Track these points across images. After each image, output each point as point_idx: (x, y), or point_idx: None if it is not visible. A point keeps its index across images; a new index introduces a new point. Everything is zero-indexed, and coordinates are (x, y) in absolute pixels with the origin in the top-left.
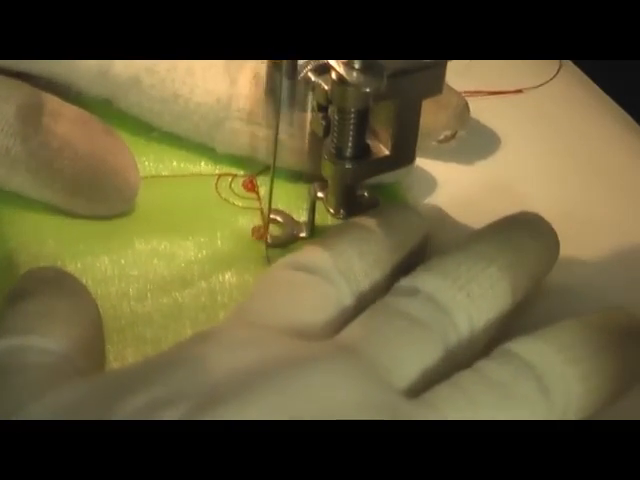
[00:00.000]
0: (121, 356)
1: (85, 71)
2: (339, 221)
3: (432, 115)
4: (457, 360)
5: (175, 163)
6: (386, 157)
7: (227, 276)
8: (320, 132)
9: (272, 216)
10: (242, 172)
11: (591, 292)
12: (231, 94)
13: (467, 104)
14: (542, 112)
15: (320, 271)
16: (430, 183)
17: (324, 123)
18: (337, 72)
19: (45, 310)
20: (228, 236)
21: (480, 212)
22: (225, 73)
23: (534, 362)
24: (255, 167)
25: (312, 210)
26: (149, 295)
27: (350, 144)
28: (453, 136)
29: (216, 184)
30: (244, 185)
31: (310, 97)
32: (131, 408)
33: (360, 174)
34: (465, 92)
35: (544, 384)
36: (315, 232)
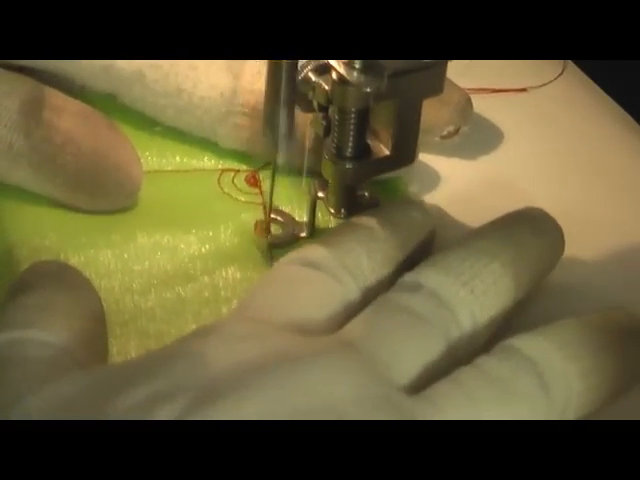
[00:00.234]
0: (124, 350)
1: (88, 66)
2: (339, 221)
3: (435, 111)
4: (458, 356)
5: (178, 158)
6: (386, 157)
7: (230, 271)
8: (320, 132)
9: (272, 216)
10: (245, 167)
11: (591, 291)
12: (235, 89)
13: (470, 100)
14: (545, 111)
15: (327, 268)
16: (432, 179)
17: (324, 123)
18: (337, 72)
19: (45, 303)
20: (231, 231)
21: (482, 208)
22: (228, 68)
23: (535, 358)
24: (258, 162)
25: (312, 210)
26: (152, 289)
27: (350, 144)
28: (456, 132)
29: (219, 179)
30: (247, 180)
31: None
32: (131, 401)
33: (360, 174)
34: (469, 89)
35: (545, 380)
36: (315, 232)
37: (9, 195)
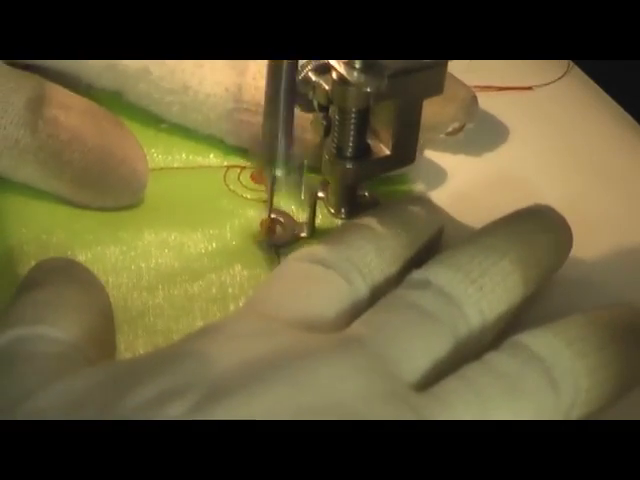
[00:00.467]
0: (132, 347)
1: (94, 63)
2: (340, 221)
3: (440, 107)
4: (466, 353)
5: (184, 155)
6: (387, 157)
7: (237, 268)
8: (321, 132)
9: (273, 216)
10: (250, 164)
11: (597, 288)
12: (240, 85)
13: (475, 97)
14: (551, 109)
15: (335, 265)
16: (438, 175)
17: (325, 123)
18: (338, 72)
19: (55, 299)
20: (237, 228)
21: (487, 205)
22: (234, 64)
23: (543, 355)
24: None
25: (313, 210)
26: (160, 286)
27: (351, 144)
28: (461, 129)
29: (225, 176)
30: (252, 177)
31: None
32: (140, 399)
33: (361, 174)
34: (475, 87)
35: (553, 377)
36: (315, 232)
37: (16, 192)
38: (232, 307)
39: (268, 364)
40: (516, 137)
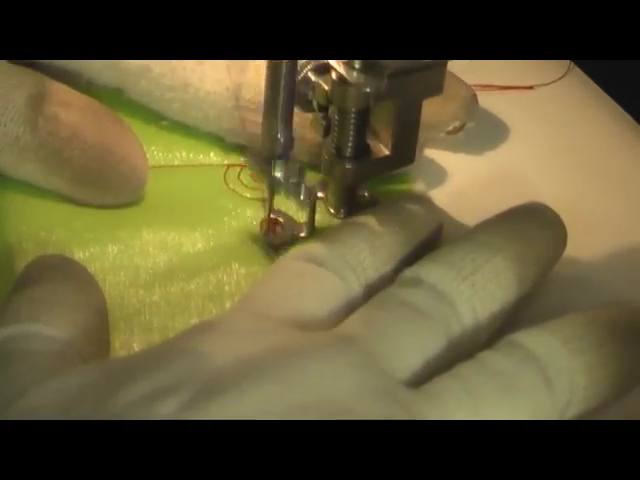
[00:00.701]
0: (128, 344)
1: (96, 60)
2: (339, 221)
3: (440, 106)
4: (460, 351)
5: (184, 153)
6: (386, 157)
7: (235, 266)
8: (320, 132)
9: (272, 216)
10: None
11: (594, 286)
12: (240, 83)
13: (475, 96)
14: (551, 109)
15: (330, 264)
16: (438, 174)
17: (324, 123)
18: (337, 72)
19: (50, 297)
20: (236, 227)
21: (487, 204)
22: (234, 62)
23: (539, 353)
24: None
25: (312, 210)
26: (157, 284)
27: (350, 144)
28: (461, 128)
29: (225, 174)
30: (253, 175)
31: None
32: (133, 396)
33: (360, 174)
34: (476, 86)
35: (548, 375)
36: (315, 232)
37: (16, 189)
38: (228, 305)
39: (261, 362)
40: (516, 136)
